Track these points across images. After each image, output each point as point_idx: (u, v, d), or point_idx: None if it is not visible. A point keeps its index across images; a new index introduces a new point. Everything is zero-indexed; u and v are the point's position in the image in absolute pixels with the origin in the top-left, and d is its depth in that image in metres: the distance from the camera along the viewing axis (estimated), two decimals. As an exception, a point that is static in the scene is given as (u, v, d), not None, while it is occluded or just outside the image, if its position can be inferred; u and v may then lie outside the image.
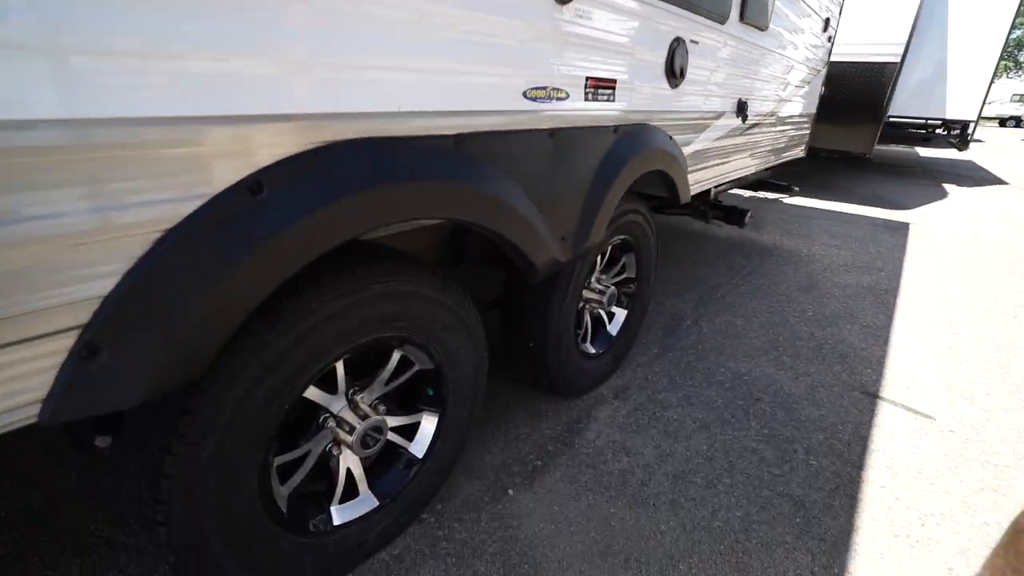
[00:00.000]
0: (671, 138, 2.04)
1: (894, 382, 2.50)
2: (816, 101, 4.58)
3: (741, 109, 2.61)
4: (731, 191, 4.13)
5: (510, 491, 1.76)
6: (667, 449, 1.99)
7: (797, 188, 4.51)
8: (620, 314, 2.39)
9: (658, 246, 2.48)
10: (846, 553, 1.59)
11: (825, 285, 3.66)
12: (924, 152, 10.79)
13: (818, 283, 3.69)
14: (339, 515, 1.37)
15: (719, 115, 2.47)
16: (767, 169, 4.45)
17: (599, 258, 2.15)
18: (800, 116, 4.18)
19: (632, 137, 1.78)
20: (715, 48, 2.24)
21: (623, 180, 1.73)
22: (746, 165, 3.21)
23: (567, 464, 1.89)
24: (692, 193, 2.40)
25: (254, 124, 0.82)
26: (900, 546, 1.61)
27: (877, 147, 10.83)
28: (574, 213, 1.57)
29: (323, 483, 1.44)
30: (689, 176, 2.30)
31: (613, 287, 2.20)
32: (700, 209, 3.51)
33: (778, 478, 1.87)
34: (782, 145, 3.97)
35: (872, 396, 2.38)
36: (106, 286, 0.74)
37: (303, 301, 1.05)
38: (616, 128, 1.70)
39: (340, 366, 1.25)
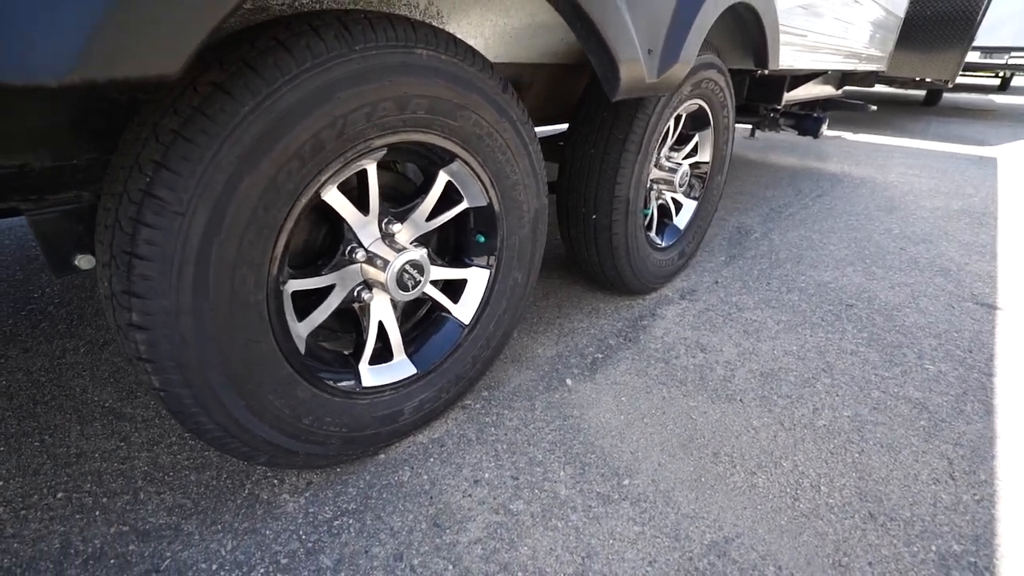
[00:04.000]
0: (770, -28, 1.67)
1: (1012, 294, 2.12)
2: (902, 13, 4.01)
3: (842, -32, 2.18)
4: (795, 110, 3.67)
5: (568, 381, 1.49)
6: (749, 348, 1.69)
7: (874, 107, 4.00)
8: (689, 205, 2.06)
9: (735, 127, 2.12)
10: (992, 460, 1.28)
11: (909, 207, 3.23)
12: (1001, 99, 9.81)
13: (900, 205, 3.26)
14: (369, 376, 1.12)
15: (818, -31, 2.06)
16: (840, 86, 3.96)
17: (671, 127, 1.81)
18: (888, 13, 3.63)
19: (731, -51, 1.42)
20: None
21: (718, 1, 1.38)
22: (835, 47, 2.75)
23: (633, 358, 1.61)
24: (782, 63, 2.02)
25: None
26: (1058, 454, 1.29)
27: (945, 95, 9.91)
28: (662, 22, 1.24)
29: (351, 346, 1.20)
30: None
31: (686, 165, 1.86)
32: (769, 116, 3.10)
33: (888, 380, 1.56)
34: (866, 45, 3.45)
35: (988, 307, 2.01)
36: None
37: (325, 44, 0.76)
38: (714, -70, 1.34)
39: (373, 172, 0.98)
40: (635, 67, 1.16)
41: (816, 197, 3.37)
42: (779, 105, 3.02)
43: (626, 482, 1.17)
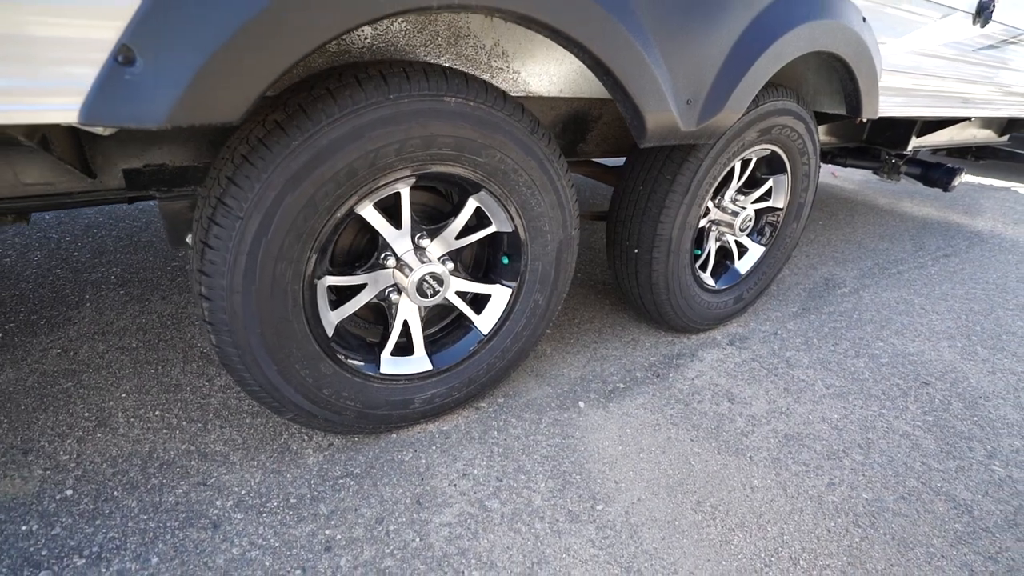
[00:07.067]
0: (864, 19, 1.58)
1: None
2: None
3: (982, 10, 1.95)
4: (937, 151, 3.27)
5: (581, 403, 1.57)
6: (783, 407, 1.62)
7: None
8: (755, 251, 1.99)
9: (818, 176, 2.01)
10: (1029, 584, 1.13)
11: (1063, 283, 2.74)
12: None
13: (1052, 279, 2.77)
14: (387, 365, 1.31)
15: (945, 12, 1.87)
16: (1004, 133, 3.43)
17: (737, 169, 1.78)
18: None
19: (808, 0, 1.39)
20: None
21: (782, 51, 1.37)
22: (971, 98, 2.44)
23: (653, 393, 1.64)
24: (882, 112, 1.87)
25: None
26: None
27: None
28: (707, 73, 1.27)
29: (379, 336, 1.40)
30: (882, 84, 1.78)
31: (750, 210, 1.82)
32: (890, 162, 2.81)
33: (936, 472, 1.41)
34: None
35: (1116, 416, 1.69)
36: (145, -13, 0.70)
37: (365, 93, 0.95)
38: (787, -18, 1.33)
39: (405, 195, 1.15)
40: (665, 117, 1.21)
41: (940, 256, 2.99)
42: (904, 150, 2.74)
43: (599, 507, 1.23)
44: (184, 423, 1.40)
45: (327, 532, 1.12)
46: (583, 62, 1.10)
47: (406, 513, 1.18)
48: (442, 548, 1.11)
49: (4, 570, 1.00)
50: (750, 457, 1.41)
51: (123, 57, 0.71)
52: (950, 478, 1.39)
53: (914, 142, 2.74)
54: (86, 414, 1.41)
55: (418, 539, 1.12)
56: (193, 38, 0.73)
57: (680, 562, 1.11)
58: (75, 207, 1.62)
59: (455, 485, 1.26)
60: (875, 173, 2.91)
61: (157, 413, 1.42)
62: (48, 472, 1.23)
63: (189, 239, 1.25)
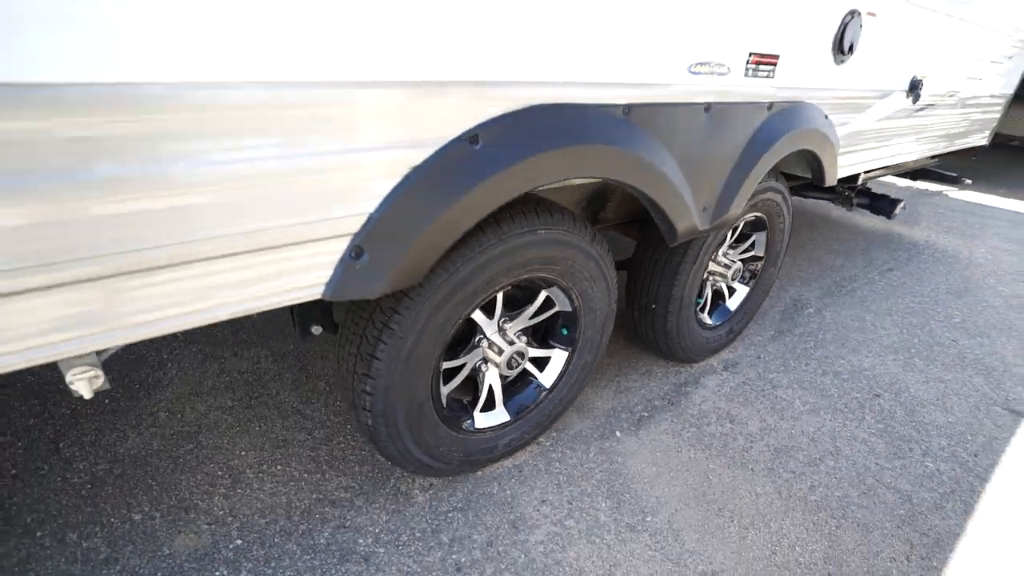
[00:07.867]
0: (826, 117, 2.00)
1: (1046, 404, 2.29)
2: (1018, 79, 3.96)
3: (913, 88, 2.41)
4: (884, 179, 3.80)
5: (617, 433, 1.96)
6: (772, 424, 2.06)
7: (969, 180, 4.00)
8: (741, 291, 2.42)
9: (791, 229, 2.45)
10: (949, 552, 1.60)
11: (983, 292, 3.31)
12: None
13: (975, 289, 3.35)
14: (480, 420, 1.66)
15: (885, 94, 2.32)
16: (934, 157, 4.00)
17: (730, 232, 2.19)
18: (991, 97, 3.66)
19: (786, 115, 1.78)
20: (895, 19, 2.09)
21: (770, 158, 1.76)
22: (908, 151, 2.95)
23: (671, 420, 2.04)
24: (839, 176, 2.31)
25: (475, 88, 1.03)
26: (1011, 563, 1.58)
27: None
28: (718, 186, 1.65)
29: (469, 394, 1.74)
30: (839, 158, 2.22)
31: (739, 263, 2.24)
32: (844, 194, 3.30)
33: (886, 470, 1.88)
34: (960, 130, 3.53)
35: (1017, 415, 2.22)
36: (371, 206, 1.01)
37: (487, 237, 1.28)
38: (771, 105, 1.72)
39: (500, 296, 1.50)
40: (688, 223, 1.59)
41: (886, 271, 3.52)
42: (855, 184, 3.23)
43: (648, 519, 1.63)
44: (305, 475, 1.70)
45: (454, 557, 1.47)
46: (639, 198, 1.47)
47: (508, 536, 1.54)
48: (542, 561, 1.48)
49: (224, 608, 1.31)
50: (751, 469, 1.84)
51: (355, 253, 1.03)
52: (896, 474, 1.86)
53: (863, 176, 3.24)
54: (219, 472, 1.70)
55: (523, 556, 1.49)
56: (399, 237, 1.05)
57: (713, 555, 1.53)
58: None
59: (538, 510, 1.63)
60: (832, 203, 3.40)
61: (279, 467, 1.72)
62: (212, 526, 1.52)
63: (314, 329, 1.55)
